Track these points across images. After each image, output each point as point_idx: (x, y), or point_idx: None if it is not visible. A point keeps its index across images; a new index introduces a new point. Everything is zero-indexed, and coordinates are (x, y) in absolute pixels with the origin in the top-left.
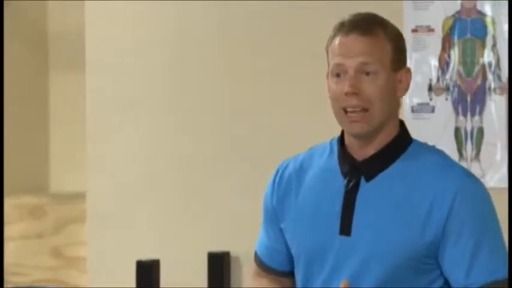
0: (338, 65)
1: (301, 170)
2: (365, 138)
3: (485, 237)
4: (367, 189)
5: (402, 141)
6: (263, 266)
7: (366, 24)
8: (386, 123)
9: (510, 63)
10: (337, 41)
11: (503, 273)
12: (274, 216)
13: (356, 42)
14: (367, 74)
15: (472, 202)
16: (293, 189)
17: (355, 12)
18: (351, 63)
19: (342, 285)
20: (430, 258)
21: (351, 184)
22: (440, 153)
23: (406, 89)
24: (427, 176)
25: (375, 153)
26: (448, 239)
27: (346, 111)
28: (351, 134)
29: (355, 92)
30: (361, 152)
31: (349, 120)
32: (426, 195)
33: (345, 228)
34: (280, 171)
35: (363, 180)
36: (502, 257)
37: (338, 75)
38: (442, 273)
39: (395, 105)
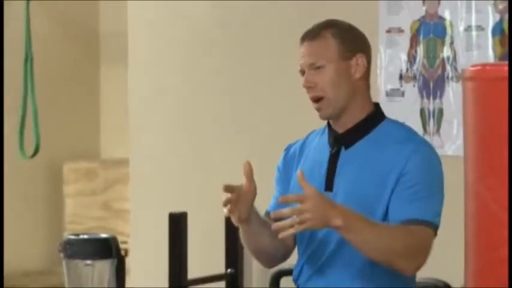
0: (300, 66)
1: (303, 146)
2: (335, 118)
3: (426, 188)
4: (345, 155)
5: (375, 118)
6: (270, 217)
7: (314, 31)
8: (352, 102)
9: (510, 61)
10: (300, 48)
11: (429, 218)
12: (283, 177)
13: (306, 47)
14: (317, 69)
15: (422, 161)
16: (296, 160)
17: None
18: (304, 64)
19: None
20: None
21: (333, 151)
22: (407, 128)
23: (363, 70)
24: (393, 144)
25: (352, 127)
26: (398, 186)
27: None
28: (321, 118)
29: (310, 86)
30: (341, 126)
31: (315, 108)
32: (390, 158)
33: (329, 185)
34: (288, 148)
35: (342, 148)
36: (435, 205)
37: (302, 73)
38: None
39: (354, 86)
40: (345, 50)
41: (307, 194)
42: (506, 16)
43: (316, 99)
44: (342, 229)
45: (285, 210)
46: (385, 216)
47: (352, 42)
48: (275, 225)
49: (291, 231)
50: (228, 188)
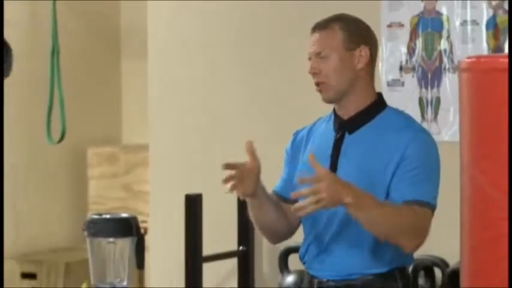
0: (308, 53)
1: (310, 131)
2: (337, 102)
3: (425, 172)
4: (349, 140)
5: (377, 106)
6: (277, 195)
7: (323, 23)
8: (353, 89)
9: (510, 57)
10: (310, 37)
11: (427, 199)
12: (290, 160)
13: (315, 36)
14: (322, 58)
15: (420, 148)
16: (303, 144)
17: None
18: (312, 52)
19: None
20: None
21: (338, 136)
22: (406, 116)
23: (365, 61)
24: (394, 131)
25: (355, 114)
26: (399, 170)
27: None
28: (323, 101)
29: (315, 72)
30: (345, 113)
31: (317, 91)
32: (390, 144)
33: (333, 166)
34: (296, 134)
35: (346, 133)
36: (433, 188)
37: (310, 60)
38: None
39: (356, 75)
40: (349, 42)
41: (320, 175)
42: (499, 11)
43: (319, 84)
44: (352, 206)
45: (304, 190)
46: (386, 197)
47: (356, 34)
48: (295, 207)
49: (309, 210)
50: (228, 166)
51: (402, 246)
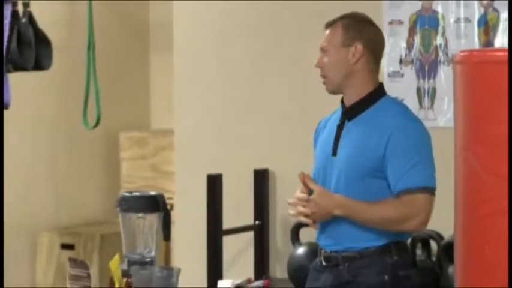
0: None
1: (328, 120)
2: (339, 93)
3: (414, 159)
4: (348, 126)
5: (375, 95)
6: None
7: (331, 21)
8: (350, 81)
9: (510, 55)
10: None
11: (422, 184)
12: (315, 145)
13: (325, 32)
14: (324, 52)
15: (407, 134)
16: (321, 132)
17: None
18: (319, 47)
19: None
20: (377, 170)
21: (339, 123)
22: (401, 105)
23: (358, 56)
24: (385, 118)
25: (354, 103)
26: (389, 158)
27: None
28: (326, 91)
29: (319, 66)
30: (347, 102)
31: (323, 83)
32: (380, 130)
33: (334, 151)
34: (319, 122)
35: (346, 121)
36: (427, 170)
37: None
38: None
39: (352, 69)
40: (346, 38)
41: (312, 195)
42: (489, 10)
43: (323, 77)
44: (343, 215)
45: (297, 204)
46: (373, 172)
47: (354, 32)
48: (289, 212)
49: (302, 219)
50: (303, 181)
51: (403, 231)
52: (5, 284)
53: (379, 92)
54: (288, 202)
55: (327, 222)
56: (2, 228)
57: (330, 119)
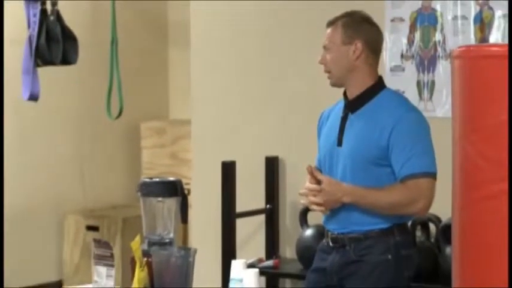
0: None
1: (332, 111)
2: (339, 86)
3: (416, 147)
4: (351, 119)
5: (375, 88)
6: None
7: (332, 20)
8: (351, 76)
9: (510, 53)
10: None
11: (425, 169)
12: (318, 135)
13: (327, 31)
14: (327, 50)
15: (409, 124)
16: (324, 122)
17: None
18: (323, 45)
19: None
20: (381, 158)
21: (343, 115)
22: (401, 97)
23: (358, 53)
24: (386, 110)
25: (356, 96)
26: (393, 147)
27: None
28: (330, 85)
29: (321, 62)
30: (350, 95)
31: (328, 77)
32: (383, 122)
33: (339, 142)
34: (322, 113)
35: (350, 113)
36: (428, 157)
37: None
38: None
39: (353, 65)
40: (346, 37)
41: (321, 185)
42: (485, 8)
43: (327, 72)
44: (351, 202)
45: (309, 194)
46: (378, 161)
47: (353, 31)
48: (302, 201)
49: (313, 208)
50: (311, 174)
51: (408, 214)
52: (34, 262)
53: (379, 85)
54: (299, 193)
55: (335, 208)
56: (2, 229)
57: (333, 110)
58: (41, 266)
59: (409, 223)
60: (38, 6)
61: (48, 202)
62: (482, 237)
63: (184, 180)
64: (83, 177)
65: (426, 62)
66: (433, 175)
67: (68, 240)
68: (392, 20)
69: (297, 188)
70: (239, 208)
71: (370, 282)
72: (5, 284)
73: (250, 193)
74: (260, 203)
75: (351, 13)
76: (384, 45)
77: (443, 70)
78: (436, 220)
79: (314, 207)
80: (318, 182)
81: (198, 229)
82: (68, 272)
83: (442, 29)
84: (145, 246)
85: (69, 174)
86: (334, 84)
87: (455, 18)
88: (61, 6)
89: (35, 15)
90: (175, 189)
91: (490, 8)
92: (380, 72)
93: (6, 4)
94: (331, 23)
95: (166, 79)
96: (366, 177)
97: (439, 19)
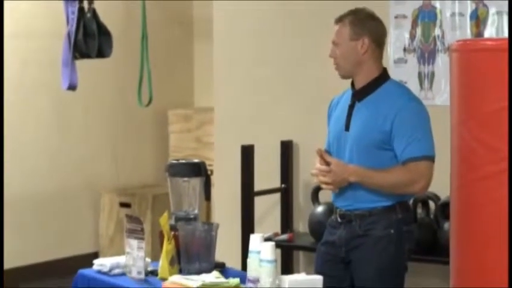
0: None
1: (341, 98)
2: (348, 77)
3: (416, 133)
4: (358, 106)
5: (380, 79)
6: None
7: (340, 17)
8: (359, 69)
9: (510, 52)
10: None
11: (424, 153)
12: (328, 121)
13: (335, 27)
14: (336, 45)
15: (410, 113)
16: (334, 109)
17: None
18: (332, 40)
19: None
20: (384, 143)
21: (351, 103)
22: (403, 88)
23: (366, 48)
24: (391, 99)
25: (363, 86)
26: (395, 134)
27: None
28: (339, 77)
29: (331, 56)
30: (357, 85)
31: (336, 69)
32: (387, 109)
33: (347, 127)
34: (332, 100)
35: (356, 102)
36: (427, 142)
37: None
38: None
39: (360, 59)
40: (354, 33)
41: (330, 166)
42: (480, 5)
43: (336, 64)
44: (357, 182)
45: (319, 174)
46: (381, 145)
47: (360, 28)
48: (315, 178)
49: (324, 186)
50: (321, 156)
51: (409, 193)
52: (74, 236)
53: (384, 76)
54: (311, 173)
55: (342, 187)
56: (2, 225)
57: (342, 97)
58: (79, 239)
59: (411, 201)
60: (76, 5)
61: (86, 181)
62: (478, 213)
63: (207, 162)
64: (116, 159)
65: (426, 55)
66: (431, 158)
67: (103, 216)
68: (396, 17)
69: (309, 169)
70: (257, 187)
71: (374, 254)
72: (50, 255)
73: (267, 174)
74: (276, 182)
75: (357, 11)
76: (388, 39)
77: (442, 62)
78: (435, 198)
79: (324, 186)
80: (327, 164)
81: (220, 206)
82: (103, 244)
83: (441, 25)
84: (172, 221)
85: (104, 157)
86: (343, 76)
87: (453, 15)
88: (97, 5)
89: (73, 13)
90: (199, 170)
91: (485, 6)
92: (384, 64)
93: (47, 3)
94: (339, 20)
95: (192, 70)
96: (370, 160)
97: (439, 16)
